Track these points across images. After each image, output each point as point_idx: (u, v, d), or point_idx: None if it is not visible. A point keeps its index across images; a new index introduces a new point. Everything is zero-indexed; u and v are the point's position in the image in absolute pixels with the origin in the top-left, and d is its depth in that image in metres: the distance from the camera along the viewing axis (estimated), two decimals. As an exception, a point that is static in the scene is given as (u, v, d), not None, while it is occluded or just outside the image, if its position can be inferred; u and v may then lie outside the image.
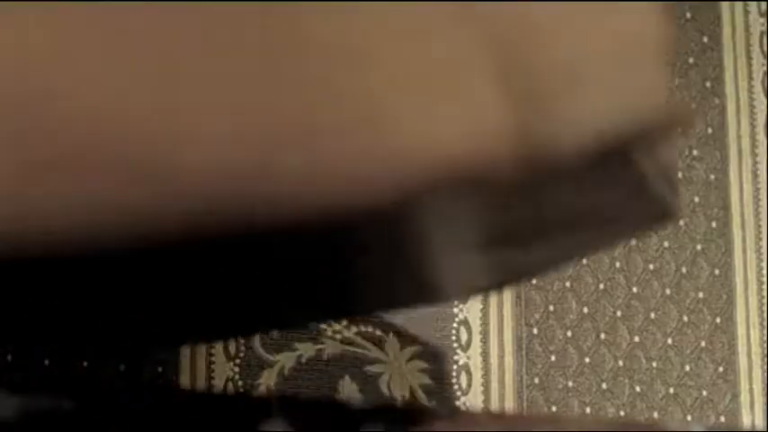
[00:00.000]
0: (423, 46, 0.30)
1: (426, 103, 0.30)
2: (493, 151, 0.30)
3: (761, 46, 1.36)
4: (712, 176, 1.20)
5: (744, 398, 1.33)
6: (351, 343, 0.87)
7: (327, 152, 0.29)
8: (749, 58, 1.36)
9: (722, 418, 1.29)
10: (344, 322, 0.87)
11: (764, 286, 1.20)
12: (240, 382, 0.80)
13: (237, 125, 0.28)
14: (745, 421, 1.32)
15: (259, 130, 0.29)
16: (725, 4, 1.39)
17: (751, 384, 1.34)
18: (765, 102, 1.31)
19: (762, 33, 1.37)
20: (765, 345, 1.21)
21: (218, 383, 0.80)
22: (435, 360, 0.88)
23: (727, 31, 1.38)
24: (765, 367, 1.29)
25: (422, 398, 0.88)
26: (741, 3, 1.40)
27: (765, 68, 1.35)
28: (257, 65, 0.28)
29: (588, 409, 1.07)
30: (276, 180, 0.29)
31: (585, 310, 1.09)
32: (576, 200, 0.33)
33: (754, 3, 1.39)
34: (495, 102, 0.30)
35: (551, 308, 1.07)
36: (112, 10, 0.27)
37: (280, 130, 0.29)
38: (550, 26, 0.31)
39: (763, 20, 1.39)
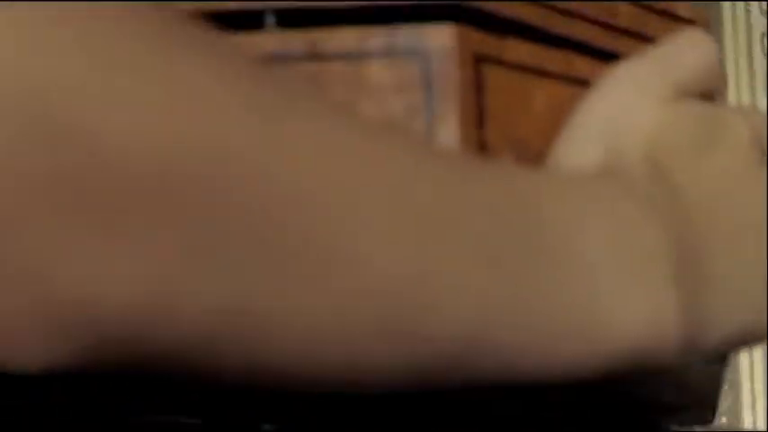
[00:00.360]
0: (617, 234, 0.32)
1: (618, 291, 0.32)
2: (664, 337, 0.33)
3: (762, 46, 1.37)
4: None
5: (745, 397, 1.34)
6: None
7: (545, 332, 0.32)
8: (750, 57, 1.36)
9: (723, 419, 1.30)
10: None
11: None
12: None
13: (489, 293, 0.31)
14: (746, 421, 1.32)
15: (511, 304, 0.32)
16: (726, 4, 1.40)
17: (752, 384, 1.34)
18: (766, 102, 1.32)
19: (762, 34, 1.38)
20: (766, 344, 1.21)
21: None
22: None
23: (728, 30, 1.39)
24: (766, 367, 1.29)
25: None
26: (742, 3, 1.40)
27: (766, 68, 1.35)
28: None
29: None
30: (501, 350, 0.32)
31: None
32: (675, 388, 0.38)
33: (755, 3, 1.39)
34: (668, 290, 0.33)
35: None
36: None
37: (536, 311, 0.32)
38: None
39: (763, 20, 1.39)
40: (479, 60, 0.34)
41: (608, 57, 0.38)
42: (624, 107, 0.35)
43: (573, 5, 0.37)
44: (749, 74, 1.34)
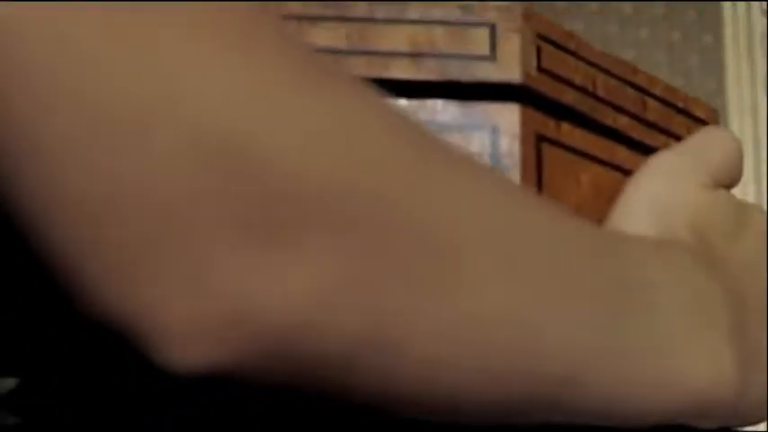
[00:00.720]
0: (688, 294, 0.37)
1: (688, 344, 0.36)
2: (723, 392, 0.37)
3: (762, 46, 1.36)
4: None
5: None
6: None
7: (631, 376, 0.35)
8: (751, 58, 1.35)
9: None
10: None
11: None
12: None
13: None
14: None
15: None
16: (726, 4, 1.39)
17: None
18: (766, 102, 1.32)
19: (763, 34, 1.37)
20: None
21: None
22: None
23: (728, 31, 1.38)
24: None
25: None
26: (743, 3, 1.39)
27: (766, 68, 1.34)
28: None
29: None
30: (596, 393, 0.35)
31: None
32: None
33: (756, 3, 1.38)
34: (726, 353, 0.37)
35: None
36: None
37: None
38: None
39: (764, 20, 1.38)
40: (539, 139, 0.38)
41: (640, 149, 0.43)
42: (670, 188, 0.39)
43: (614, 98, 0.42)
44: (749, 74, 1.34)
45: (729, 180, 0.39)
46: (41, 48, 0.27)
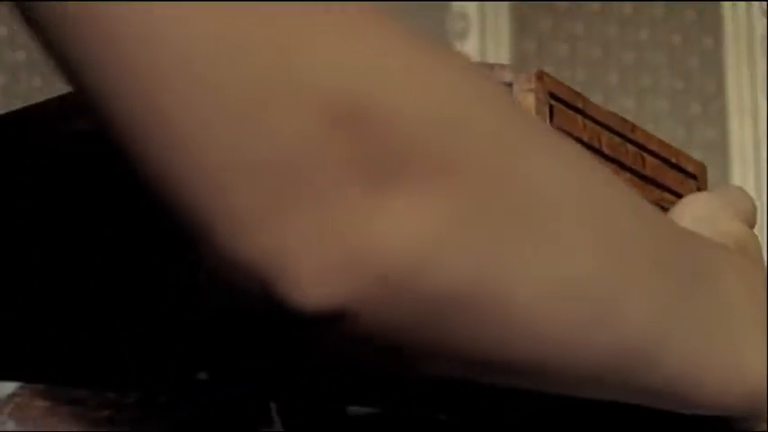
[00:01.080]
0: (746, 287, 0.40)
1: (747, 337, 0.39)
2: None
3: (762, 47, 1.36)
4: (715, 182, 1.22)
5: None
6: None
7: (700, 354, 0.37)
8: (751, 58, 1.36)
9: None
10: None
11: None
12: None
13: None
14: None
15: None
16: (726, 5, 1.40)
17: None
18: (766, 103, 1.32)
19: (763, 35, 1.37)
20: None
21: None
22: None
23: (728, 31, 1.38)
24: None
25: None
26: (743, 3, 1.40)
27: (766, 69, 1.35)
28: None
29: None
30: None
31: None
32: None
33: (756, 3, 1.39)
34: None
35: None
36: None
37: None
38: None
39: (764, 20, 1.38)
40: None
41: None
42: (711, 216, 0.43)
43: (617, 155, 0.44)
44: (750, 75, 1.34)
45: (750, 226, 0.44)
46: (169, 26, 0.29)
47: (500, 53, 1.27)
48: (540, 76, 0.40)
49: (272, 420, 0.44)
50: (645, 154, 0.47)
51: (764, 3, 1.41)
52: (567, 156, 0.34)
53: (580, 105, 0.42)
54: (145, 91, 0.29)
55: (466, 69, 0.33)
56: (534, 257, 0.32)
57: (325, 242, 0.30)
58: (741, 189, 0.47)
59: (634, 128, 0.46)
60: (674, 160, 0.49)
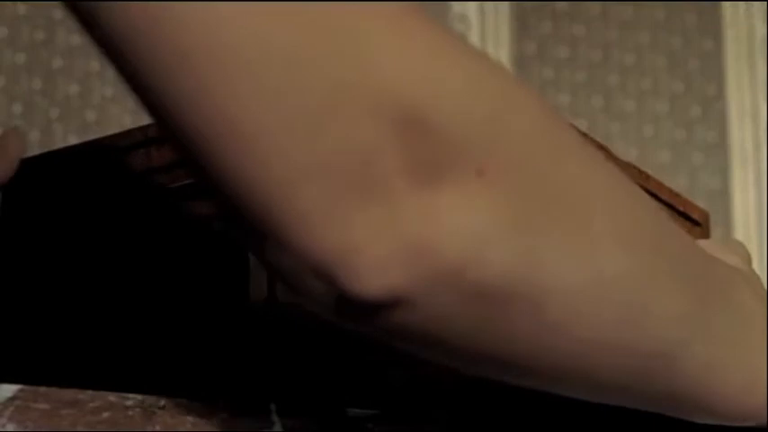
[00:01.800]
0: (757, 302, 0.41)
1: (760, 346, 0.40)
2: None
3: (762, 48, 1.37)
4: (715, 185, 1.22)
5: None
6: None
7: (719, 363, 0.38)
8: (751, 60, 1.36)
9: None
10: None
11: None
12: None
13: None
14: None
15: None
16: (726, 5, 1.40)
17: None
18: (766, 105, 1.32)
19: (763, 36, 1.37)
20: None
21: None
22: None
23: (728, 32, 1.38)
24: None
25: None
26: (743, 4, 1.40)
27: (767, 71, 1.35)
28: None
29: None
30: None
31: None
32: None
33: (756, 3, 1.39)
34: None
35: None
36: None
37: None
38: None
39: (764, 21, 1.38)
40: None
41: None
42: (723, 255, 0.43)
43: None
44: (750, 77, 1.35)
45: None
46: (237, 38, 0.31)
47: (500, 54, 1.27)
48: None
49: (272, 420, 0.44)
50: (658, 204, 0.49)
51: (765, 3, 1.41)
52: (598, 161, 0.36)
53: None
54: (217, 102, 0.31)
55: (506, 75, 0.35)
56: (569, 257, 0.34)
57: (385, 236, 0.32)
58: (739, 242, 0.49)
59: (648, 177, 0.48)
60: (681, 208, 0.51)
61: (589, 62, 1.26)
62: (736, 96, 1.33)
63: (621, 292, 0.35)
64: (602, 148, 0.46)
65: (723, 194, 1.23)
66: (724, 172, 1.25)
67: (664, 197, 0.51)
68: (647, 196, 0.38)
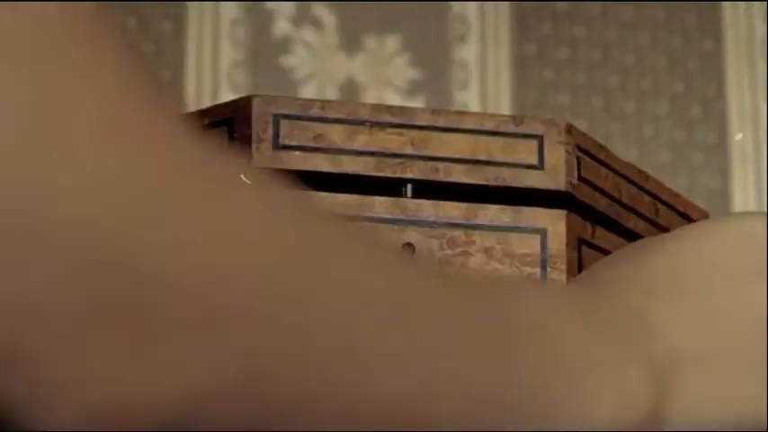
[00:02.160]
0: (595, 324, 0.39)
1: (588, 373, 0.38)
2: (633, 420, 0.39)
3: (762, 48, 1.37)
4: (715, 185, 1.23)
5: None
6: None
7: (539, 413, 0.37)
8: (751, 60, 1.36)
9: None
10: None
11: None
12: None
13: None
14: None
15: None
16: (726, 5, 1.40)
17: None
18: (766, 105, 1.32)
19: (763, 36, 1.38)
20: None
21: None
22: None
23: (728, 32, 1.39)
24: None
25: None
26: (743, 4, 1.40)
27: (767, 71, 1.35)
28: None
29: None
30: None
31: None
32: None
33: (756, 3, 1.39)
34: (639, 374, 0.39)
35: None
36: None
37: None
38: None
39: (764, 22, 1.39)
40: (580, 242, 0.41)
41: None
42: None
43: (635, 205, 0.47)
44: (750, 77, 1.35)
45: None
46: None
47: (500, 55, 1.28)
48: (569, 129, 0.42)
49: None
50: (658, 203, 0.50)
51: (765, 3, 1.41)
52: (363, 260, 0.33)
53: (603, 157, 0.44)
54: None
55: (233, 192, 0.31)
56: (331, 385, 0.32)
57: (72, 394, 0.29)
58: (756, 213, 0.48)
59: (648, 177, 0.48)
60: (681, 209, 0.52)
61: (589, 63, 1.27)
62: (736, 96, 1.33)
63: (395, 409, 0.33)
64: (602, 148, 0.47)
65: (723, 194, 1.24)
66: (724, 172, 1.26)
67: (664, 197, 0.51)
68: (433, 280, 0.36)
